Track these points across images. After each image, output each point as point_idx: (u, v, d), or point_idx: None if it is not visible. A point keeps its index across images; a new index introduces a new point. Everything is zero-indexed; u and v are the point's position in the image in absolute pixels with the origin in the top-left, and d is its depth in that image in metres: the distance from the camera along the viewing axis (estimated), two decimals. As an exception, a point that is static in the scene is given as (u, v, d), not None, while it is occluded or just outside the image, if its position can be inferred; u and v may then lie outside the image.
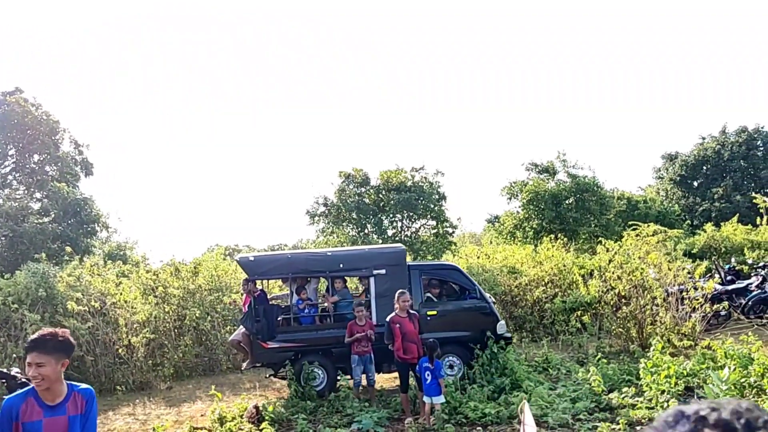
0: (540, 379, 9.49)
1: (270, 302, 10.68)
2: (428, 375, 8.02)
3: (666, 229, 21.27)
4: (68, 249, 15.66)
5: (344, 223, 17.08)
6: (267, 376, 11.01)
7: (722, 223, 25.84)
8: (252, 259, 10.42)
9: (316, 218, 17.18)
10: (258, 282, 10.67)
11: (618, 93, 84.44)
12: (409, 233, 17.44)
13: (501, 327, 10.09)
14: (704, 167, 39.25)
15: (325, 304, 10.50)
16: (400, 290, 8.67)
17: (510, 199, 21.07)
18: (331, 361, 9.81)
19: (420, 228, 17.56)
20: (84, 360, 12.25)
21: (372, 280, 9.97)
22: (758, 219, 25.28)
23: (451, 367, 9.88)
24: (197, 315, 13.62)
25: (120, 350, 12.39)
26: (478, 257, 16.60)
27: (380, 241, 17.18)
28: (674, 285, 12.80)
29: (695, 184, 39.98)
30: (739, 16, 76.37)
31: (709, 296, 12.27)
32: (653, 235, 20.94)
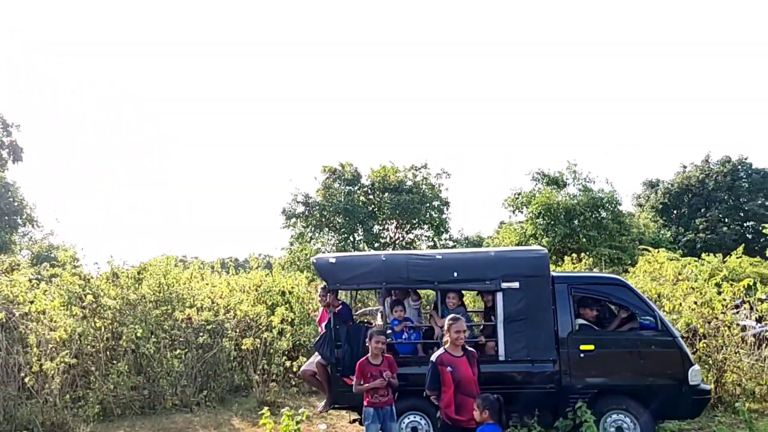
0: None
1: (355, 321, 8.10)
2: (496, 453, 5.14)
3: (678, 256, 19.08)
4: (-26, 242, 12.18)
5: (326, 229, 14.12)
6: (350, 421, 8.05)
7: (711, 254, 23.99)
8: (333, 261, 7.67)
9: (294, 220, 14.14)
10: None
11: (597, 110, 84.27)
12: (404, 243, 14.61)
13: (695, 374, 7.02)
14: (687, 196, 37.84)
15: (431, 327, 7.70)
16: (452, 316, 5.80)
17: (514, 211, 18.55)
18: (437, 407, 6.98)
19: (416, 238, 14.77)
20: (-26, 391, 8.89)
21: (500, 296, 7.14)
22: (768, 251, 23.59)
23: (619, 430, 6.92)
24: (138, 334, 10.38)
25: (28, 379, 9.02)
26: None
27: (369, 250, 14.27)
28: (746, 320, 10.42)
29: (674, 213, 38.55)
30: (719, 50, 77.32)
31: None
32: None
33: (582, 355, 6.95)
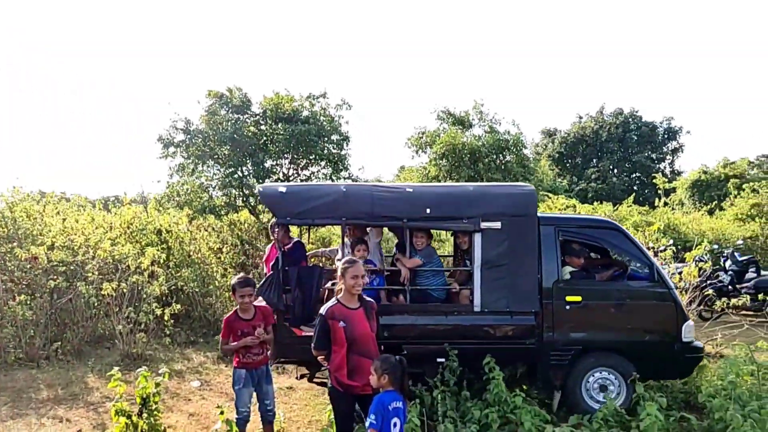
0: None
1: (309, 262, 7.16)
2: (396, 425, 4.16)
3: (575, 203, 19.07)
4: None
5: (211, 161, 12.49)
6: (298, 377, 6.89)
7: (601, 203, 24.56)
8: (283, 190, 6.34)
9: (173, 149, 12.35)
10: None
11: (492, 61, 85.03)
12: (298, 181, 13.24)
13: (688, 330, 6.25)
14: (582, 146, 38.77)
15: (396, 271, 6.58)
16: (348, 258, 4.70)
17: (417, 151, 17.62)
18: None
19: (313, 175, 13.44)
20: None
21: (478, 237, 6.15)
22: (657, 200, 24.35)
23: (603, 389, 6.20)
24: (-32, 276, 8.59)
25: None
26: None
27: (256, 185, 12.82)
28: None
29: (569, 162, 39.47)
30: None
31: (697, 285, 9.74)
32: (566, 209, 18.40)
33: (568, 307, 6.16)
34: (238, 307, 5.26)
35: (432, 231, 7.09)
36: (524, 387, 6.46)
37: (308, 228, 8.37)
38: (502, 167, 16.42)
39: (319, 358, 4.59)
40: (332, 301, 4.50)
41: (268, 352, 5.46)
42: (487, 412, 5.70)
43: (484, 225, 6.13)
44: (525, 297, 6.08)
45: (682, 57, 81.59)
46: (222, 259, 12.98)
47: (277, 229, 6.44)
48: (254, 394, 5.32)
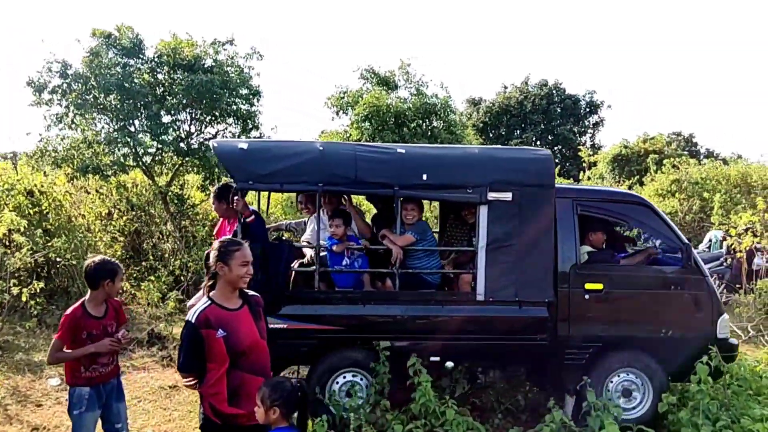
0: None
1: (272, 238, 6.22)
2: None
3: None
4: None
5: (95, 111, 10.68)
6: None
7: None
8: (245, 147, 5.17)
9: (47, 95, 10.39)
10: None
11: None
12: (201, 140, 11.62)
13: (723, 325, 5.40)
14: (506, 117, 38.47)
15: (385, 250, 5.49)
16: (229, 239, 3.38)
17: (338, 113, 16.25)
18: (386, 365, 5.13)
19: (219, 134, 11.85)
20: None
21: (483, 211, 5.15)
22: (581, 174, 24.22)
23: (627, 394, 5.32)
24: None
25: None
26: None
27: (157, 145, 11.10)
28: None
29: (493, 132, 39.13)
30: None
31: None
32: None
33: (587, 296, 5.22)
34: (86, 298, 3.89)
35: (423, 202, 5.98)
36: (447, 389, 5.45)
37: (267, 195, 7.15)
38: (429, 133, 15.36)
39: (185, 381, 3.31)
40: (203, 302, 3.18)
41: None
42: (410, 427, 4.67)
43: (491, 196, 5.11)
44: (537, 284, 5.15)
45: (604, 34, 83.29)
46: (109, 227, 11.32)
47: (236, 197, 5.09)
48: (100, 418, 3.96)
